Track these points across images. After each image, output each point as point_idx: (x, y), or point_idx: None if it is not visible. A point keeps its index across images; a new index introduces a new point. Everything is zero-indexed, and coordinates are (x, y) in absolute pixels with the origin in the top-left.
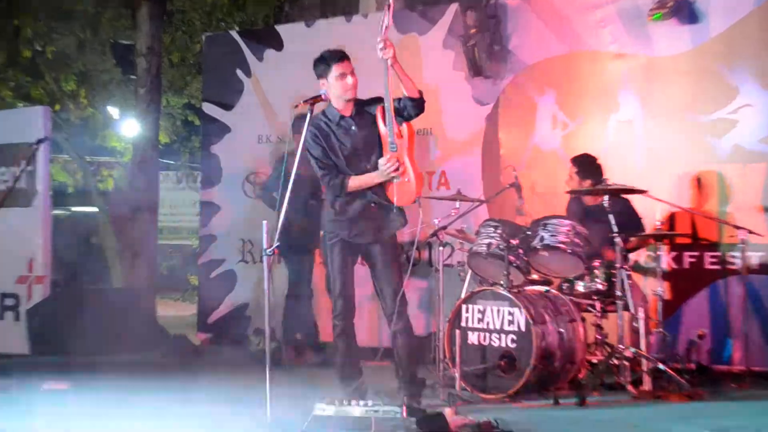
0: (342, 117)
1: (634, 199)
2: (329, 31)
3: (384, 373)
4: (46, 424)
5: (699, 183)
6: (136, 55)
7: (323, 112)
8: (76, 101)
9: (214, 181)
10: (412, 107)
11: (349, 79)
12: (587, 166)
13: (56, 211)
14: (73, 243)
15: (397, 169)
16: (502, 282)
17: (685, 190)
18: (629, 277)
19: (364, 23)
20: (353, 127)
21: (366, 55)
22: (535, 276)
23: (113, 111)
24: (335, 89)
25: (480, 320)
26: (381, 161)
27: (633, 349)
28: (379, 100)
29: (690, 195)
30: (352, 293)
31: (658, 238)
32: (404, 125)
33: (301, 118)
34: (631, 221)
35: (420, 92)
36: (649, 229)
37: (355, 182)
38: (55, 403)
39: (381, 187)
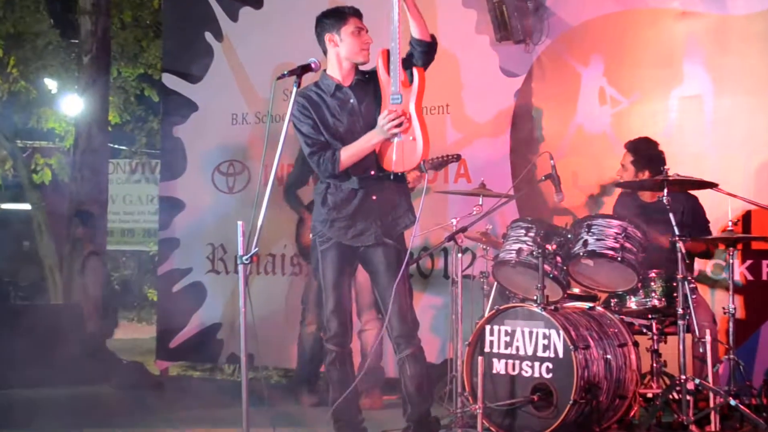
0: (339, 87)
1: (702, 195)
2: None
3: (389, 410)
4: None
5: None
6: (78, 14)
7: (316, 83)
8: (3, 72)
9: (176, 172)
10: (421, 53)
11: (366, 37)
12: (646, 153)
13: None
14: (1, 248)
15: (400, 125)
16: (535, 297)
17: (765, 183)
18: (694, 291)
19: None
20: (352, 100)
21: (364, 13)
22: (576, 290)
23: (50, 84)
24: (347, 47)
25: (508, 344)
26: (381, 116)
27: (698, 381)
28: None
29: None
30: (349, 311)
31: (731, 242)
32: (414, 71)
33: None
34: (697, 222)
35: (432, 36)
36: (719, 232)
37: (348, 152)
38: None
39: (373, 155)
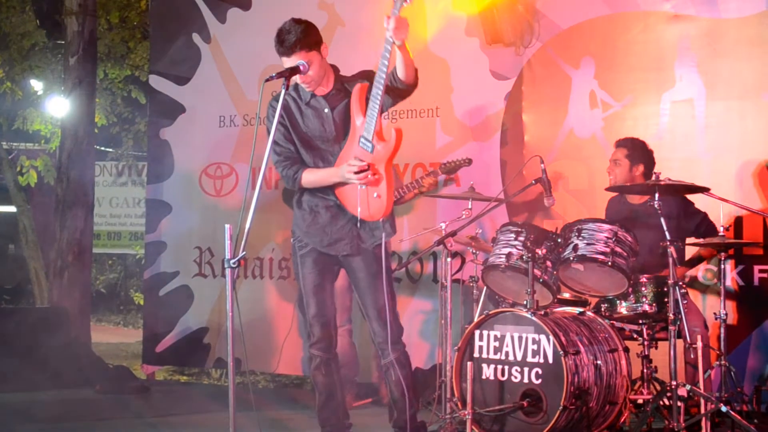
0: (313, 95)
1: (694, 200)
2: None
3: (375, 415)
4: None
5: None
6: (64, 14)
7: (295, 86)
8: None
9: (163, 175)
10: (400, 93)
11: (297, 78)
12: (639, 147)
13: None
14: None
15: (363, 176)
16: (525, 302)
17: (756, 187)
18: (685, 296)
19: None
20: (326, 109)
21: (354, 16)
22: (566, 295)
23: (36, 85)
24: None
25: (497, 350)
26: (347, 163)
27: (689, 387)
28: (364, 77)
29: (763, 194)
30: (332, 316)
31: (722, 247)
32: (392, 130)
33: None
34: (695, 223)
35: (416, 78)
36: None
37: (310, 176)
38: None
39: (333, 189)
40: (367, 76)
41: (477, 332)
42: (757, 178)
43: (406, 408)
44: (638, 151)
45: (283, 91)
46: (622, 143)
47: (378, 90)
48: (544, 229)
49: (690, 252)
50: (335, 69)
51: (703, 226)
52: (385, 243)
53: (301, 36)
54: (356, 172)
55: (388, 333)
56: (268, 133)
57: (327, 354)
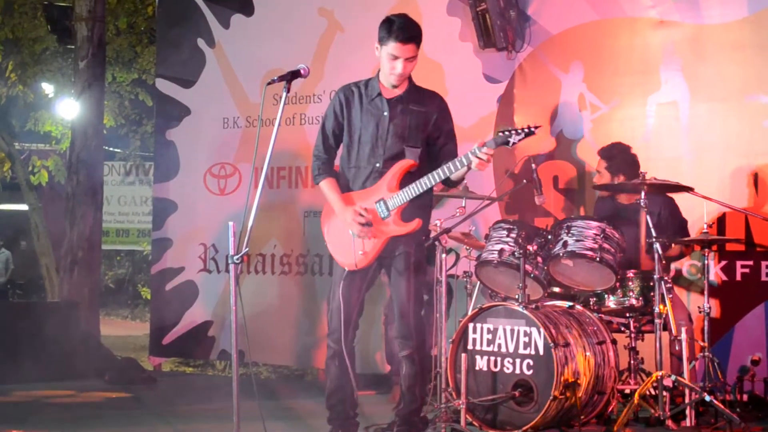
0: (380, 95)
1: (678, 198)
2: None
3: (381, 405)
4: None
5: (756, 178)
6: (74, 20)
7: (368, 81)
8: (2, 76)
9: (170, 174)
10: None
11: (399, 66)
12: (620, 158)
13: None
14: None
15: (362, 230)
16: (516, 296)
17: (739, 186)
18: (670, 290)
19: None
20: (385, 112)
21: (353, 22)
22: (556, 289)
23: (47, 88)
24: (382, 65)
25: (490, 342)
26: (354, 208)
27: (674, 377)
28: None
29: (745, 193)
30: (352, 310)
31: (706, 243)
32: (417, 221)
33: None
34: (673, 224)
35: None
36: (694, 233)
37: (324, 188)
38: None
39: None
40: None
41: (471, 325)
42: (739, 177)
43: (410, 402)
44: (617, 162)
45: (284, 94)
46: (602, 153)
47: (427, 183)
48: (535, 226)
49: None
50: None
51: (679, 232)
52: (417, 244)
53: (419, 30)
54: (358, 223)
55: (404, 329)
56: (323, 120)
57: (340, 346)
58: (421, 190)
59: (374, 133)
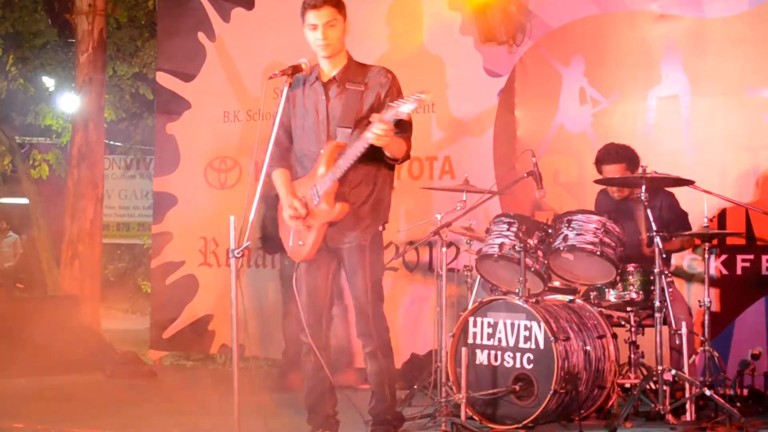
0: (317, 79)
1: (678, 192)
2: None
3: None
4: None
5: (757, 172)
6: (75, 14)
7: (313, 67)
8: (3, 70)
9: (170, 168)
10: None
11: (318, 34)
12: (626, 153)
13: None
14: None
15: (295, 222)
16: (517, 290)
17: (740, 180)
18: (670, 284)
19: None
20: (322, 96)
21: (353, 14)
22: (557, 283)
23: (48, 82)
24: (311, 43)
25: (490, 336)
26: (292, 200)
27: (674, 372)
28: (384, 73)
29: (746, 187)
30: (323, 305)
31: (706, 237)
32: (340, 205)
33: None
34: (673, 218)
35: (407, 154)
36: (695, 228)
37: (276, 181)
38: None
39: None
40: (379, 78)
41: (471, 319)
42: (740, 171)
43: (381, 400)
44: (633, 161)
45: (285, 88)
46: (615, 157)
47: (347, 162)
48: (535, 220)
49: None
50: (350, 57)
51: (680, 225)
52: (373, 237)
53: None
54: (291, 215)
55: (363, 326)
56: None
57: (317, 341)
58: (342, 171)
59: (315, 119)
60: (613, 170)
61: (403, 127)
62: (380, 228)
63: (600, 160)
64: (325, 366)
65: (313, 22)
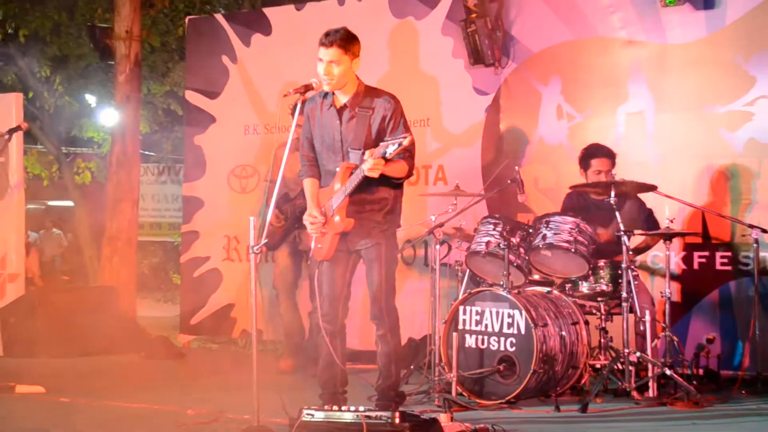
0: (332, 105)
1: (644, 197)
2: (320, 15)
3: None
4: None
5: (712, 180)
6: (114, 39)
7: (325, 94)
8: (51, 88)
9: (197, 175)
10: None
11: (321, 68)
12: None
13: (30, 206)
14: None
15: (312, 229)
16: (501, 282)
17: (698, 187)
18: (636, 278)
19: (357, 6)
20: (336, 122)
21: (359, 39)
22: (536, 276)
23: (90, 99)
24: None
25: (478, 322)
26: (309, 215)
27: (638, 354)
28: (391, 100)
29: (703, 192)
30: (340, 294)
31: (668, 236)
32: (348, 221)
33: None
34: (640, 219)
35: (408, 174)
36: (658, 228)
37: (305, 188)
38: (29, 408)
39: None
40: (384, 104)
41: (461, 308)
42: (698, 179)
43: (386, 378)
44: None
45: (298, 105)
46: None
47: (352, 184)
48: (517, 221)
49: (638, 241)
50: (362, 84)
51: (650, 221)
52: (388, 237)
53: (343, 36)
54: (311, 225)
55: (376, 311)
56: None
57: (333, 326)
58: (348, 191)
59: (331, 142)
60: (601, 163)
61: (406, 152)
62: (394, 230)
63: (590, 155)
64: (339, 350)
65: (321, 56)
